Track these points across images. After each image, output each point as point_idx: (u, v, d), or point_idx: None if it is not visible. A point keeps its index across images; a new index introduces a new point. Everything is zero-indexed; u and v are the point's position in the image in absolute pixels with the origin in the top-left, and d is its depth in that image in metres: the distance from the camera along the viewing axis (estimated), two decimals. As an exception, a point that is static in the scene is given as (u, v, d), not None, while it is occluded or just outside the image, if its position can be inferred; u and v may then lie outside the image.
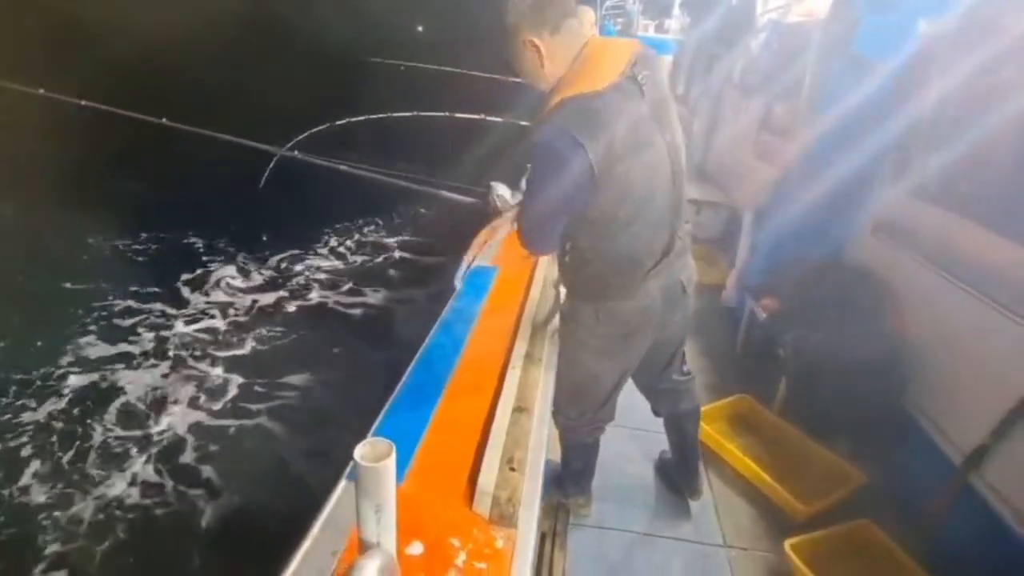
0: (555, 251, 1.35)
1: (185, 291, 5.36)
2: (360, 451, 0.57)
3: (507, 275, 1.80)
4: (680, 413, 1.70)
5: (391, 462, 0.57)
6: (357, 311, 5.42)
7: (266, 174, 3.40)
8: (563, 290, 1.44)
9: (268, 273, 5.96)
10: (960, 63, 1.81)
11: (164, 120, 1.84)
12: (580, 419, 1.54)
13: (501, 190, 1.91)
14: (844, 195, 2.24)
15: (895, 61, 2.03)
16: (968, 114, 1.80)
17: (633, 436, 2.08)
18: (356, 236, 7.11)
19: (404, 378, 1.23)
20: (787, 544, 1.57)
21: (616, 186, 1.13)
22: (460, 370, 1.28)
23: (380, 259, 6.61)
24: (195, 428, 3.63)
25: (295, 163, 2.22)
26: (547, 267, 1.83)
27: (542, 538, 1.69)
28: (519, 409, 1.14)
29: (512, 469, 0.97)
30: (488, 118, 3.97)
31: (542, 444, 1.08)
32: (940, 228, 1.84)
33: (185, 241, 6.50)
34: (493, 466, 0.96)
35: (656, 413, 1.75)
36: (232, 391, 4.09)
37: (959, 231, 1.75)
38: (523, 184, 1.30)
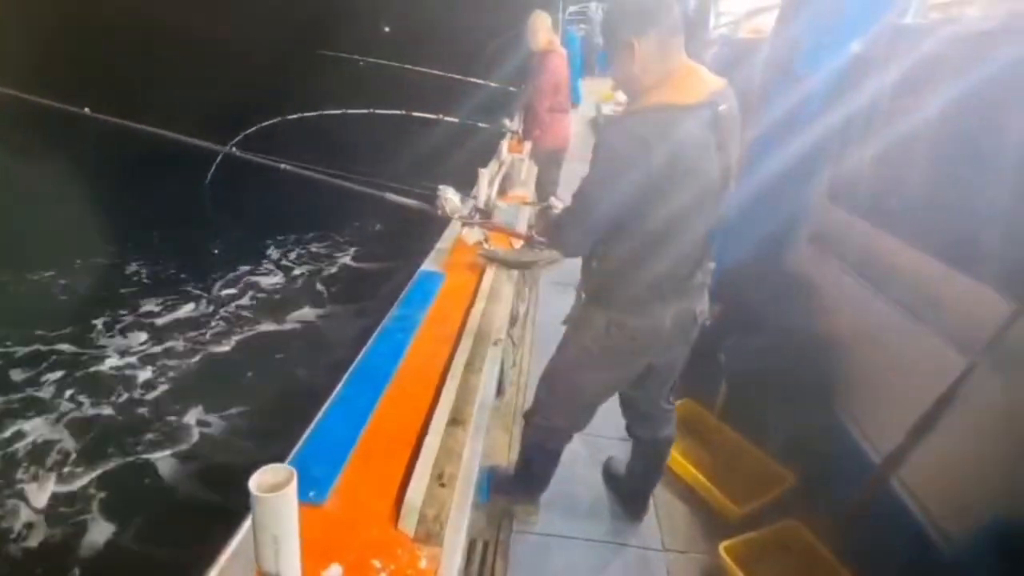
0: (586, 253, 1.36)
1: (107, 317, 5.01)
2: (256, 480, 0.54)
3: (454, 282, 1.78)
4: (660, 439, 1.71)
5: (291, 490, 0.54)
6: (294, 323, 5.25)
7: (211, 173, 3.24)
8: (582, 295, 1.46)
9: (202, 290, 5.70)
10: (883, 85, 1.92)
11: (86, 110, 1.71)
12: (555, 422, 1.58)
13: (450, 194, 1.89)
14: (784, 205, 2.34)
15: (829, 81, 2.14)
16: (886, 133, 1.91)
17: (581, 441, 2.10)
18: (298, 242, 6.92)
19: (336, 390, 1.19)
20: (721, 546, 1.62)
21: (666, 203, 1.16)
22: (397, 381, 1.25)
23: (322, 265, 6.44)
24: (101, 459, 3.44)
25: (239, 161, 2.13)
26: (494, 276, 1.82)
27: (484, 546, 1.69)
28: (454, 422, 1.13)
29: (442, 484, 0.96)
30: (445, 118, 3.93)
31: (476, 458, 1.07)
32: (861, 238, 1.94)
33: (111, 260, 6.09)
34: (422, 482, 0.94)
35: (631, 434, 1.75)
36: (149, 414, 3.91)
37: (877, 241, 1.86)
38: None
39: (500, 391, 2.36)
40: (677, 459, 2.01)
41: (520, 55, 4.17)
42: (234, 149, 1.87)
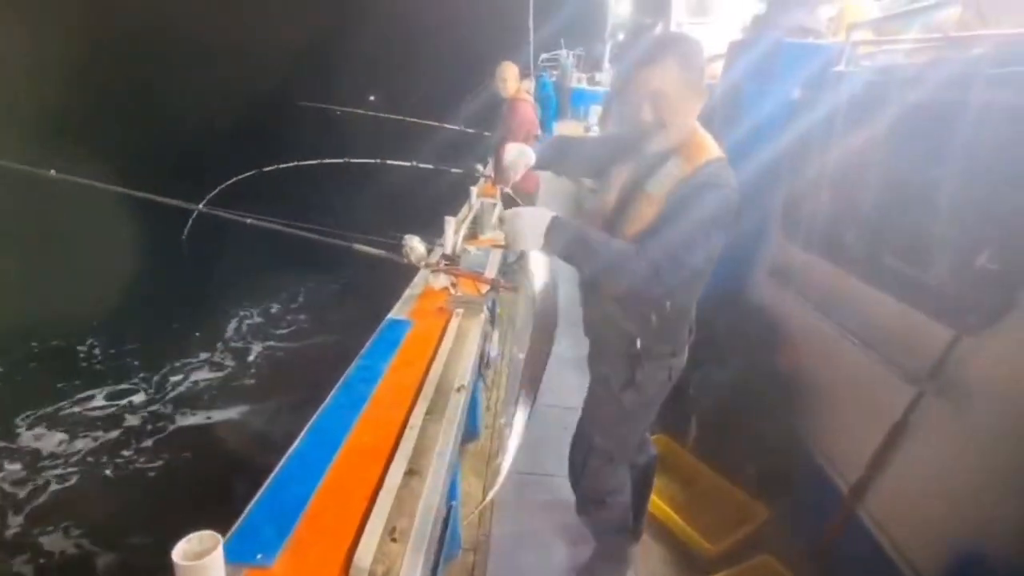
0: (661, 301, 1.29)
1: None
2: (181, 548, 0.55)
3: (420, 329, 1.80)
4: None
5: (215, 557, 0.55)
6: (259, 380, 5.20)
7: (186, 229, 3.26)
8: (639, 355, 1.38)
9: (167, 346, 5.63)
10: (824, 130, 2.04)
11: (52, 172, 1.73)
12: (610, 486, 1.57)
13: (415, 242, 1.93)
14: (743, 240, 2.44)
15: (774, 124, 2.27)
16: (829, 170, 2.03)
17: (547, 483, 2.09)
18: (271, 294, 6.91)
19: (293, 446, 1.19)
20: (695, 587, 1.61)
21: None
22: (356, 433, 1.25)
23: (292, 317, 6.39)
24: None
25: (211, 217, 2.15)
26: (460, 322, 1.85)
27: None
28: (411, 472, 1.13)
29: (393, 540, 0.95)
30: (419, 164, 4.03)
31: (432, 510, 1.06)
32: (813, 271, 2.03)
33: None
34: (373, 537, 0.94)
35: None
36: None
37: (827, 274, 1.94)
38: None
39: (473, 435, 2.35)
40: (652, 499, 2.00)
41: (494, 101, 4.36)
42: (200, 207, 1.91)
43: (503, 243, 2.90)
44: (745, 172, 2.34)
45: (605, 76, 10.38)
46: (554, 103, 9.66)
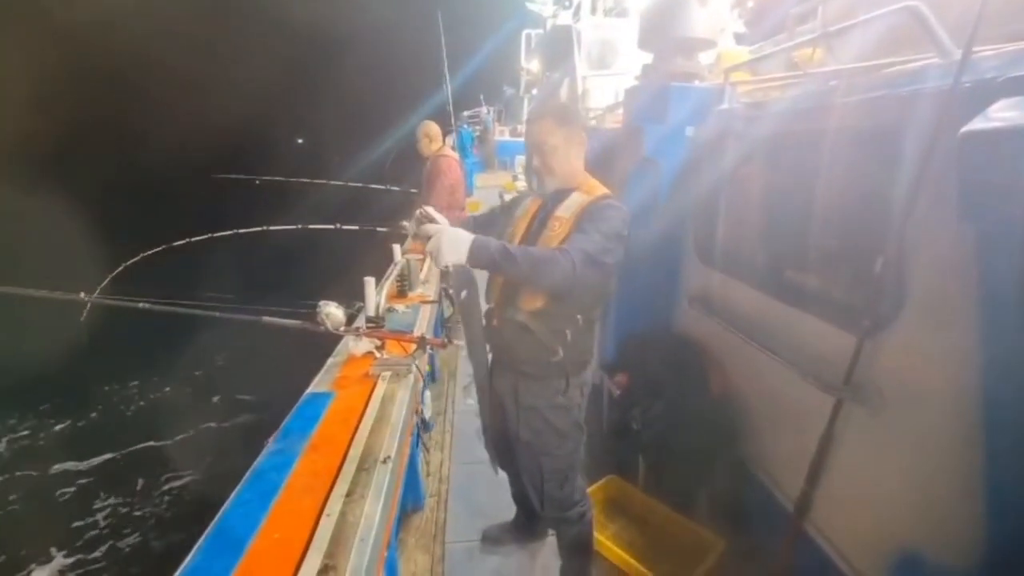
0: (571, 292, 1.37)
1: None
2: None
3: (343, 401, 1.68)
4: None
5: None
6: (163, 479, 4.78)
7: (84, 313, 2.98)
8: (568, 383, 1.54)
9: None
10: (717, 160, 2.19)
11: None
12: (572, 500, 1.65)
13: (331, 308, 1.84)
14: (661, 273, 2.53)
15: (675, 160, 2.41)
16: (729, 199, 2.16)
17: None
18: (172, 379, 6.47)
19: (188, 559, 1.03)
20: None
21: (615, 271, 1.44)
22: (264, 531, 1.11)
23: (197, 405, 5.97)
24: None
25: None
26: (387, 387, 1.75)
27: None
28: (326, 569, 1.01)
29: (302, 658, 0.82)
30: (342, 227, 3.96)
31: (352, 610, 0.94)
32: (730, 294, 2.11)
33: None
34: (276, 661, 0.81)
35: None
36: None
37: (737, 294, 2.02)
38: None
39: (417, 507, 2.19)
40: (606, 545, 1.92)
41: (415, 159, 4.41)
42: (84, 295, 1.73)
43: (431, 299, 2.86)
44: (654, 202, 2.47)
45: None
46: (470, 155, 10.09)
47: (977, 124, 0.94)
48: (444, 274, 1.36)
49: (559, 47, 6.76)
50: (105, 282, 2.48)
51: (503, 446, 1.69)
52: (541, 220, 1.52)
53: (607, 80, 5.53)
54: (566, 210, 1.46)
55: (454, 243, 1.22)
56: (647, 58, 2.82)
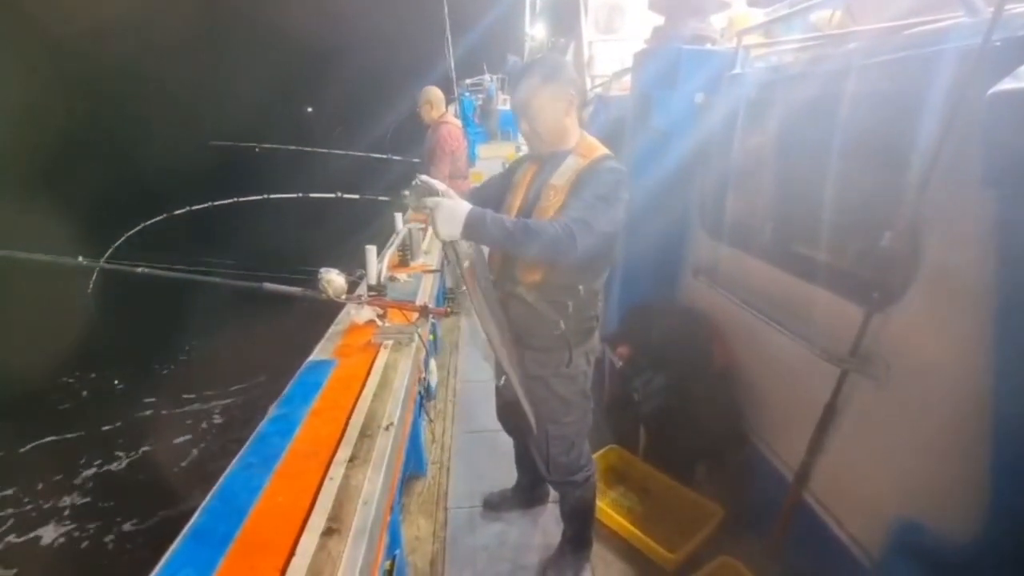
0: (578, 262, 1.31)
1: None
2: None
3: (345, 369, 1.68)
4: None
5: None
6: (164, 449, 4.83)
7: (91, 282, 2.97)
8: (572, 354, 1.48)
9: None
10: (727, 128, 2.13)
11: None
12: (579, 465, 1.65)
13: (332, 275, 1.82)
14: (668, 244, 2.49)
15: (683, 127, 2.35)
16: (738, 168, 2.10)
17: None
18: (178, 348, 6.47)
19: (192, 520, 1.04)
20: (658, 600, 1.55)
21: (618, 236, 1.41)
22: (268, 494, 1.12)
23: (201, 373, 5.99)
24: None
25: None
26: (389, 356, 1.74)
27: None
28: (329, 531, 1.01)
29: (308, 615, 0.84)
30: (343, 195, 3.90)
31: (355, 569, 0.95)
32: (732, 265, 2.08)
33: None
34: (282, 617, 0.82)
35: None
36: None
37: (745, 266, 1.99)
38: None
39: (419, 474, 2.22)
40: (606, 511, 1.94)
41: (416, 128, 4.30)
42: (83, 259, 1.71)
43: (434, 268, 2.84)
44: (661, 173, 2.42)
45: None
46: (472, 124, 9.90)
47: (1007, 84, 0.89)
48: (445, 245, 1.30)
49: (565, 11, 6.52)
50: (109, 252, 2.46)
51: (509, 410, 1.69)
52: (536, 190, 1.44)
53: (614, 45, 5.36)
54: (560, 177, 1.39)
55: (449, 217, 1.18)
56: (657, 20, 2.71)
